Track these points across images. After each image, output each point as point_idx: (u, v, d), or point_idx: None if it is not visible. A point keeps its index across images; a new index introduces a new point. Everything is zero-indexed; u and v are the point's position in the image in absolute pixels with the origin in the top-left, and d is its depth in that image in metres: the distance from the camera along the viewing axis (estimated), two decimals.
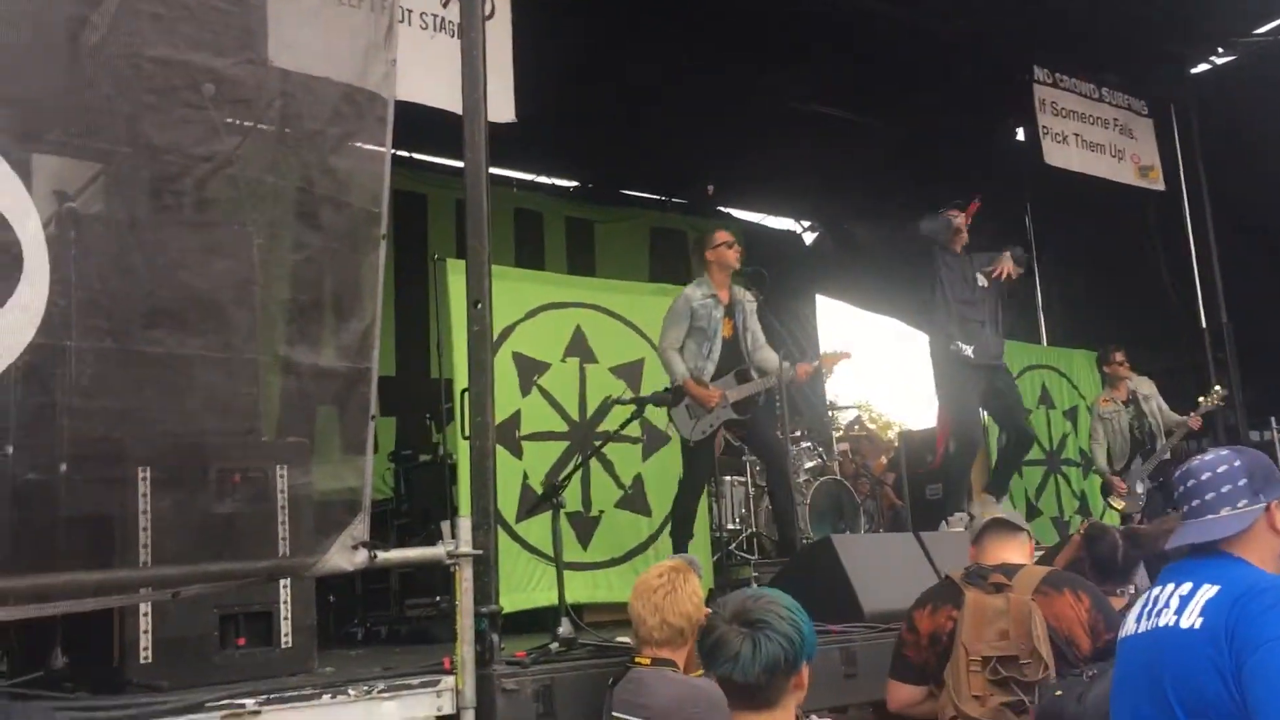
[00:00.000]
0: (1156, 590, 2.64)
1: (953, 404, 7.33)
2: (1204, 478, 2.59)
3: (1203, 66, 9.93)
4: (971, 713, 3.30)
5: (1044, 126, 8.98)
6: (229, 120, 3.01)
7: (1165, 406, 8.83)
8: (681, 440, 6.35)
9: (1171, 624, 2.49)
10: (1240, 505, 2.53)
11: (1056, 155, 8.97)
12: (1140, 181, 9.51)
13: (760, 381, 6.27)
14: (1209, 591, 2.46)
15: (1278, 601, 2.35)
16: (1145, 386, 8.85)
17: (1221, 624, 2.38)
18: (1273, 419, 9.44)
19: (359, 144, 3.31)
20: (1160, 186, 9.63)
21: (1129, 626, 2.69)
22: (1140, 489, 8.64)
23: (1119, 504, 8.71)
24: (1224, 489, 2.55)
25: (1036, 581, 3.46)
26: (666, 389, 6.23)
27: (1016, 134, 10.49)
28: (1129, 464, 8.74)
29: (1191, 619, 2.44)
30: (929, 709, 3.60)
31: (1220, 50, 9.77)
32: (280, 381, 3.47)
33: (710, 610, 2.67)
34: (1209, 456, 2.64)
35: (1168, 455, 8.68)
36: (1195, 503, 2.59)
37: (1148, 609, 2.62)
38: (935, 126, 10.38)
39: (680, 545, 6.24)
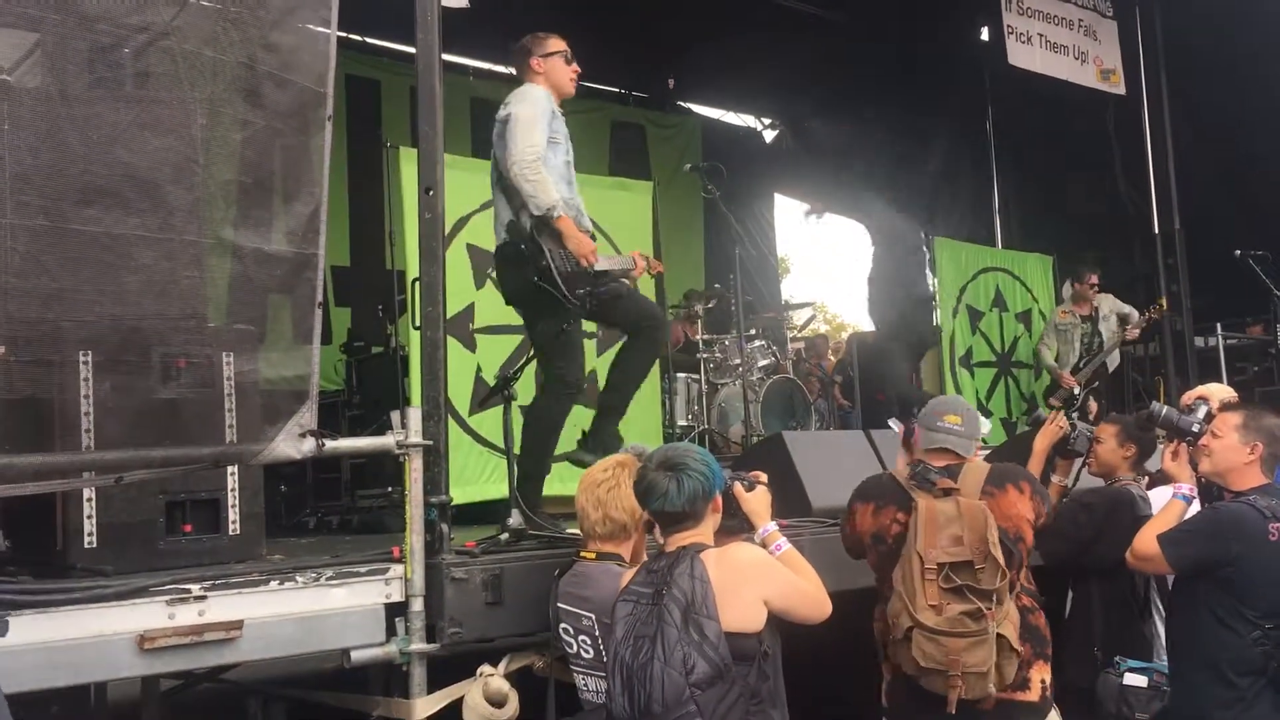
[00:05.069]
0: None
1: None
2: None
3: None
4: (928, 622, 3.26)
5: (1009, 26, 8.82)
6: None
7: (1127, 315, 9.08)
8: (561, 305, 4.53)
9: None
10: None
11: (1020, 55, 8.84)
12: (1101, 85, 9.42)
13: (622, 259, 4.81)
14: None
15: None
16: (1106, 305, 9.13)
17: None
18: (1218, 325, 9.60)
19: (302, 21, 3.17)
20: (1120, 90, 9.56)
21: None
22: (1077, 391, 8.91)
23: (1058, 403, 8.92)
24: None
25: (981, 482, 3.44)
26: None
27: (981, 34, 10.34)
28: (1074, 370, 8.99)
29: None
30: None
31: None
32: (225, 265, 3.38)
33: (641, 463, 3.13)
34: None
35: (1107, 363, 8.97)
36: None
37: None
38: (899, 23, 10.20)
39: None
